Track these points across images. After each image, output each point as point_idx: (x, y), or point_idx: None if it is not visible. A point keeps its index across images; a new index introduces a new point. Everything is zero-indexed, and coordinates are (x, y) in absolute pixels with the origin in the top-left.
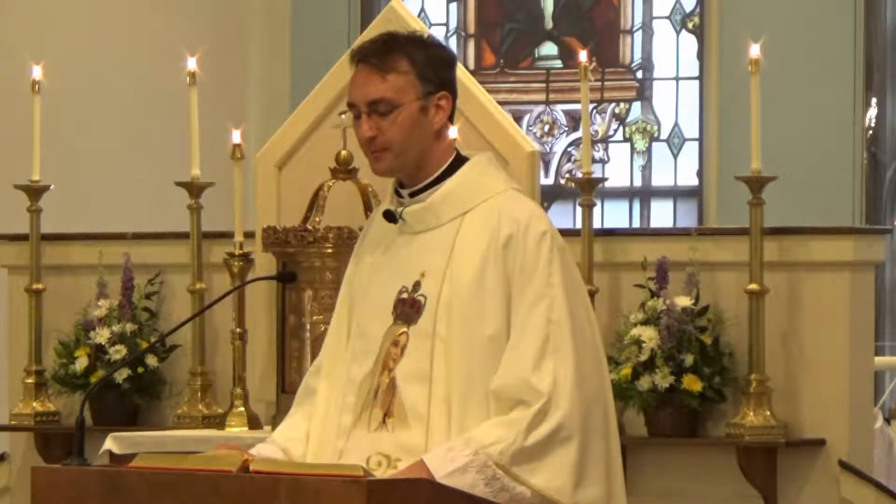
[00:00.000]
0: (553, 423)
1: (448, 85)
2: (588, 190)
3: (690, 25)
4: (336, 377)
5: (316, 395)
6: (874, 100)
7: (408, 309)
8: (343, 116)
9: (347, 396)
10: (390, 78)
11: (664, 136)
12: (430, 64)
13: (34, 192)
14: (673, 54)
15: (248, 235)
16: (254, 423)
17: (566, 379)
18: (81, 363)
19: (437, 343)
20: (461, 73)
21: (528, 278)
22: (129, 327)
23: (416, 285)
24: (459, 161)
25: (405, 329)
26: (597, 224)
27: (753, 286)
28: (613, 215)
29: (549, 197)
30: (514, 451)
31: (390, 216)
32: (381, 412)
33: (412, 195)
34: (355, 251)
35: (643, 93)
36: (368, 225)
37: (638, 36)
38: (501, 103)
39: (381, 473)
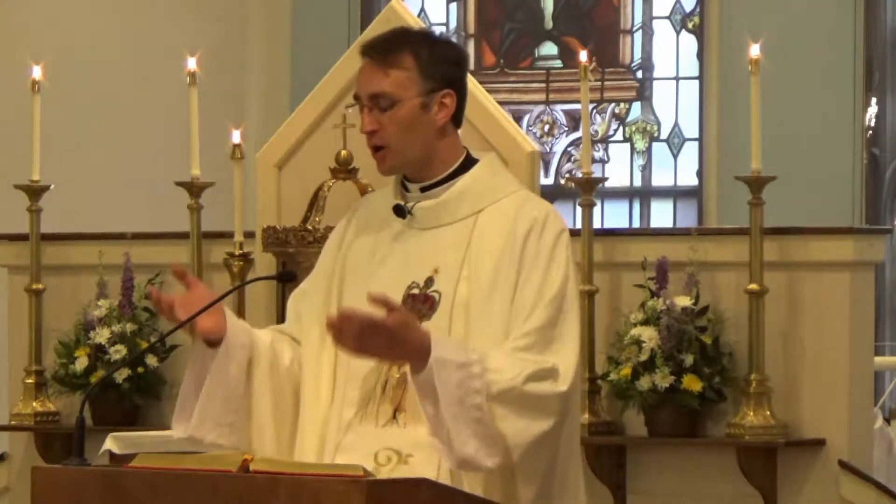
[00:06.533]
0: (553, 388)
1: (453, 83)
2: (588, 190)
3: (690, 25)
4: (312, 359)
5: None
6: (874, 100)
7: (419, 305)
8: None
9: (349, 391)
10: (392, 73)
11: (664, 136)
12: (434, 61)
13: (34, 192)
14: (673, 54)
15: (248, 235)
16: None
17: (572, 362)
18: (81, 363)
19: None
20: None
21: (543, 267)
22: (129, 327)
23: (429, 281)
24: (470, 159)
25: None
26: (597, 224)
27: (753, 286)
28: (613, 215)
29: (549, 197)
30: (506, 390)
31: (400, 211)
32: (390, 407)
33: (423, 190)
34: (345, 223)
35: (643, 93)
36: (363, 203)
37: (638, 36)
38: (501, 103)
39: (390, 468)
